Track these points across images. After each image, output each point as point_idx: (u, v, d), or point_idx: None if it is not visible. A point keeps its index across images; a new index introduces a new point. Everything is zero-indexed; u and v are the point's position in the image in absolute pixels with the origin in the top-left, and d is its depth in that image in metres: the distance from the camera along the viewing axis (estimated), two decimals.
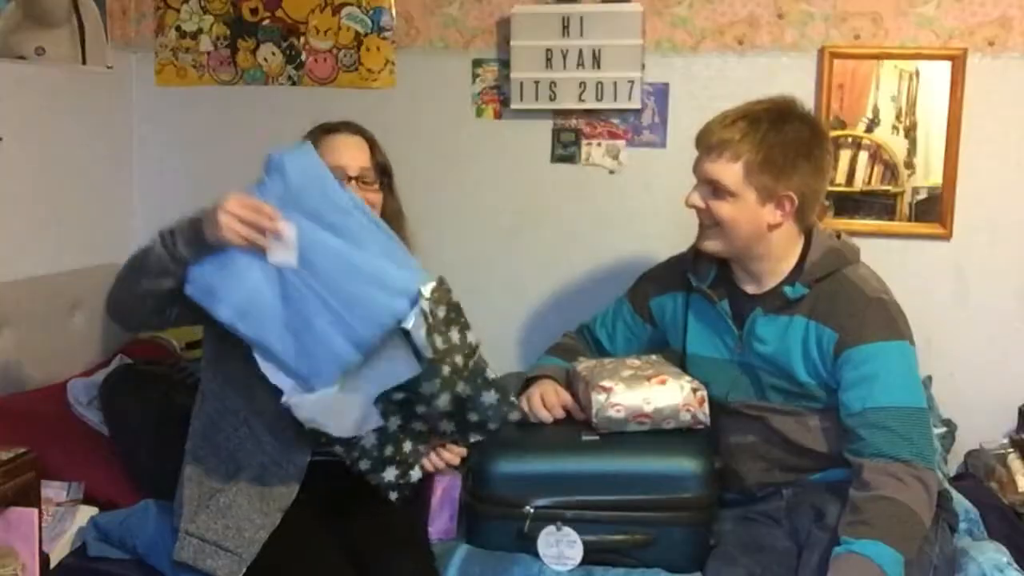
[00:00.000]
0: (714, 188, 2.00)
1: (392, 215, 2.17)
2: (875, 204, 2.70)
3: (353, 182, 2.07)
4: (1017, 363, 2.66)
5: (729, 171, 1.98)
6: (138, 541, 2.12)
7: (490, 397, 1.89)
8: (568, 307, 2.80)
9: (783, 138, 1.97)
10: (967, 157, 2.63)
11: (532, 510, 1.97)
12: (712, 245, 2.06)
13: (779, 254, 2.05)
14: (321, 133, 2.13)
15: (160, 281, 1.81)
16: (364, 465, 1.93)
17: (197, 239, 1.78)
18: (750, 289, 2.09)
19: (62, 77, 2.76)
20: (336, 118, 2.19)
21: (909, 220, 2.69)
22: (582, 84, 2.74)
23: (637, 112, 2.78)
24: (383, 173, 2.16)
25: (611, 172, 2.84)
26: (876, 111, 2.66)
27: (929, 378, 2.58)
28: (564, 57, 2.73)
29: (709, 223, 2.04)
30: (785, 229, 2.03)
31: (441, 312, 1.80)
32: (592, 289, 2.79)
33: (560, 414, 2.15)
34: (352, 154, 2.11)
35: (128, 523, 2.15)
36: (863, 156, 2.69)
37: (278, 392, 1.82)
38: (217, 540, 1.93)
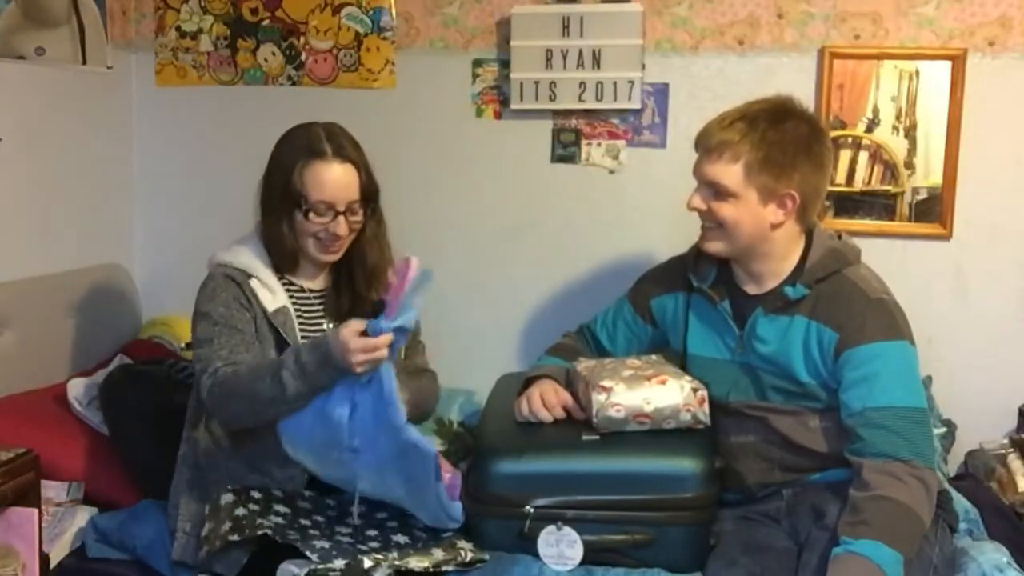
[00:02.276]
0: (715, 190, 2.00)
1: (371, 234, 2.12)
2: (875, 204, 2.70)
3: (340, 216, 2.03)
4: (1017, 363, 2.66)
5: (729, 172, 1.98)
6: (137, 541, 2.13)
7: None
8: (568, 307, 2.80)
9: (782, 136, 1.97)
10: (967, 157, 2.63)
11: (532, 510, 1.96)
12: (715, 246, 2.06)
13: (781, 253, 2.05)
14: (308, 157, 2.02)
15: (293, 406, 1.89)
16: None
17: (331, 368, 1.84)
18: (751, 289, 2.09)
19: (62, 77, 2.76)
20: (342, 121, 2.13)
21: (909, 220, 2.69)
22: (582, 84, 2.74)
23: (637, 112, 2.78)
24: (369, 200, 2.08)
25: (611, 172, 2.84)
26: (876, 111, 2.66)
27: (929, 378, 2.58)
28: (564, 57, 2.73)
29: (711, 225, 2.04)
30: (787, 228, 2.03)
31: None
32: (592, 289, 2.79)
33: (560, 414, 2.15)
34: (342, 188, 2.03)
35: (128, 523, 2.16)
36: (863, 156, 2.69)
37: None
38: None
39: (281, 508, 1.96)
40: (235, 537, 1.83)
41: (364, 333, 1.79)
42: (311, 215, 2.02)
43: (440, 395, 2.32)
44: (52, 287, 2.68)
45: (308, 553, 1.78)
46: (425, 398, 2.22)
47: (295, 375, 1.84)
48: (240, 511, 1.89)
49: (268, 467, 2.05)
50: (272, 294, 2.06)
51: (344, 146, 2.05)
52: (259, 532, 1.83)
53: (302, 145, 2.06)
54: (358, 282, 2.13)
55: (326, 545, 1.82)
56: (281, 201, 2.05)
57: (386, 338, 1.79)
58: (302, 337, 2.07)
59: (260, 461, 2.04)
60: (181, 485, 2.08)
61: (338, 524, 1.99)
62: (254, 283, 2.05)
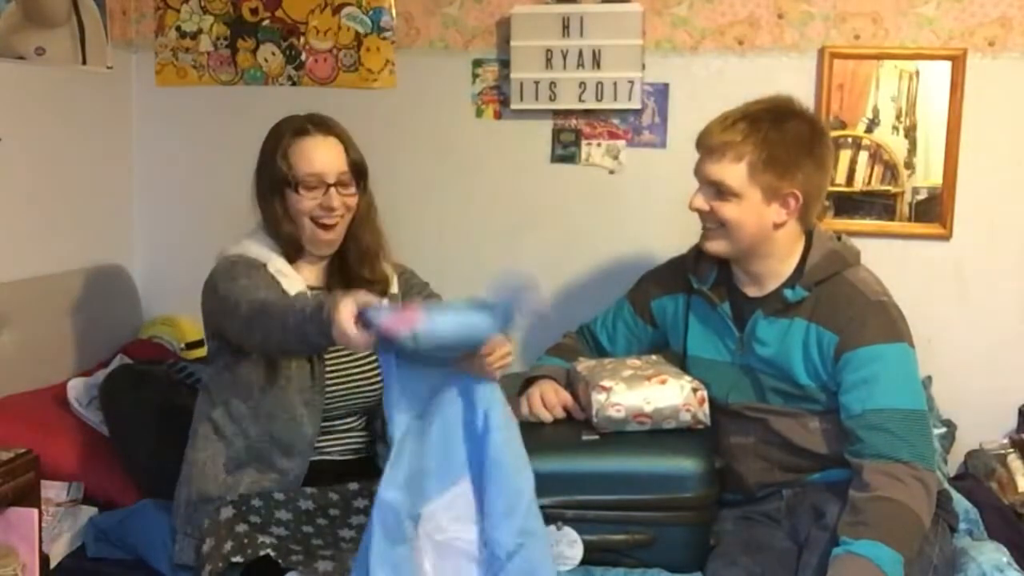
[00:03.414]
0: (718, 190, 2.00)
1: (364, 213, 2.10)
2: (875, 204, 2.70)
3: (332, 189, 2.01)
4: (1017, 363, 2.66)
5: (733, 172, 1.98)
6: (137, 541, 2.13)
7: None
8: (568, 307, 2.79)
9: (785, 136, 1.97)
10: (967, 157, 2.63)
11: None
12: (717, 246, 2.05)
13: (782, 254, 2.05)
14: (292, 135, 2.04)
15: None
16: None
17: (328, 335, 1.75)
18: (751, 291, 2.09)
19: (62, 77, 2.76)
20: (342, 121, 2.11)
21: (909, 220, 2.69)
22: (582, 84, 2.74)
23: (637, 112, 2.78)
24: (359, 174, 2.08)
25: (611, 172, 2.84)
26: (876, 111, 2.66)
27: (929, 378, 2.58)
28: (564, 57, 2.73)
29: (713, 225, 2.04)
30: (789, 228, 2.03)
31: None
32: (592, 289, 2.79)
33: (560, 414, 2.15)
34: (329, 159, 2.03)
35: (127, 523, 2.16)
36: (863, 156, 2.69)
37: None
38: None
39: (283, 515, 1.96)
40: (238, 559, 1.82)
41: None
42: (301, 190, 2.01)
43: None
44: (52, 287, 2.68)
45: None
46: None
47: (298, 323, 1.75)
48: (240, 527, 1.88)
49: (272, 456, 2.03)
50: (290, 280, 2.04)
51: (326, 123, 2.07)
52: (261, 552, 1.82)
53: (285, 128, 2.06)
54: (352, 263, 2.11)
55: (329, 568, 1.81)
56: (272, 185, 2.04)
57: (366, 338, 1.59)
58: None
59: (264, 449, 2.03)
60: (184, 484, 2.08)
61: (341, 527, 1.98)
62: (271, 268, 2.03)
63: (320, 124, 2.06)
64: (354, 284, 2.10)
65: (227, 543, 1.85)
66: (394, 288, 2.19)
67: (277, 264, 2.05)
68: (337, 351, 2.07)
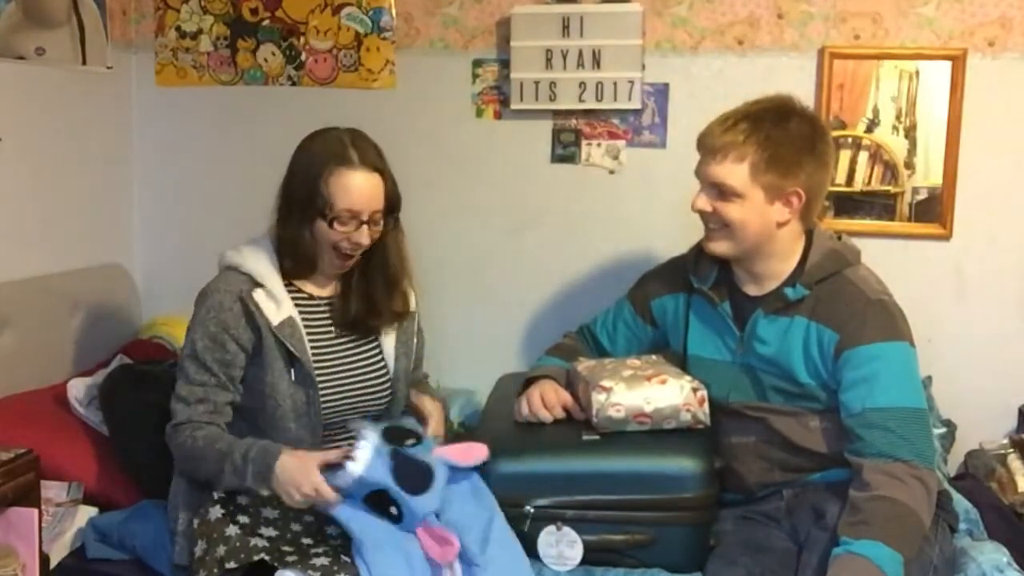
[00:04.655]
0: (720, 190, 2.00)
1: (392, 244, 2.08)
2: (875, 204, 2.70)
3: (364, 226, 1.98)
4: (1017, 363, 2.66)
5: (735, 172, 1.98)
6: (137, 541, 2.12)
7: None
8: (568, 307, 2.80)
9: (787, 136, 1.98)
10: (967, 157, 2.63)
11: (532, 510, 1.97)
12: (720, 247, 2.05)
13: (784, 253, 2.05)
14: (336, 163, 1.97)
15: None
16: None
17: (268, 485, 1.88)
18: (751, 291, 2.09)
19: (62, 77, 2.76)
20: (342, 121, 2.08)
21: (909, 220, 2.69)
22: (582, 84, 2.74)
23: (637, 112, 2.78)
24: (392, 209, 2.05)
25: (611, 172, 2.84)
26: (876, 111, 2.66)
27: (929, 378, 2.58)
28: (564, 57, 2.73)
29: (716, 225, 2.04)
30: (791, 227, 2.03)
31: None
32: (592, 289, 2.79)
33: (560, 414, 2.15)
34: (369, 197, 1.98)
35: (127, 524, 2.15)
36: (863, 156, 2.69)
37: None
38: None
39: (270, 513, 1.95)
40: (232, 564, 1.82)
41: (331, 467, 1.82)
42: (335, 224, 1.97)
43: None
44: (52, 287, 2.68)
45: (310, 572, 1.78)
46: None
47: (233, 472, 1.89)
48: (231, 530, 1.87)
49: None
50: (277, 305, 2.01)
51: (370, 153, 2.01)
52: (255, 557, 1.82)
53: (328, 152, 2.00)
54: (377, 290, 2.09)
55: (326, 562, 1.81)
56: (304, 208, 1.99)
57: (335, 497, 1.81)
58: (311, 345, 2.04)
59: None
60: (180, 486, 2.07)
61: (327, 523, 1.97)
62: (259, 295, 1.99)
63: (364, 156, 1.99)
64: (371, 310, 2.10)
65: (219, 547, 1.85)
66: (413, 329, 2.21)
67: (271, 284, 2.02)
68: (332, 368, 2.07)
